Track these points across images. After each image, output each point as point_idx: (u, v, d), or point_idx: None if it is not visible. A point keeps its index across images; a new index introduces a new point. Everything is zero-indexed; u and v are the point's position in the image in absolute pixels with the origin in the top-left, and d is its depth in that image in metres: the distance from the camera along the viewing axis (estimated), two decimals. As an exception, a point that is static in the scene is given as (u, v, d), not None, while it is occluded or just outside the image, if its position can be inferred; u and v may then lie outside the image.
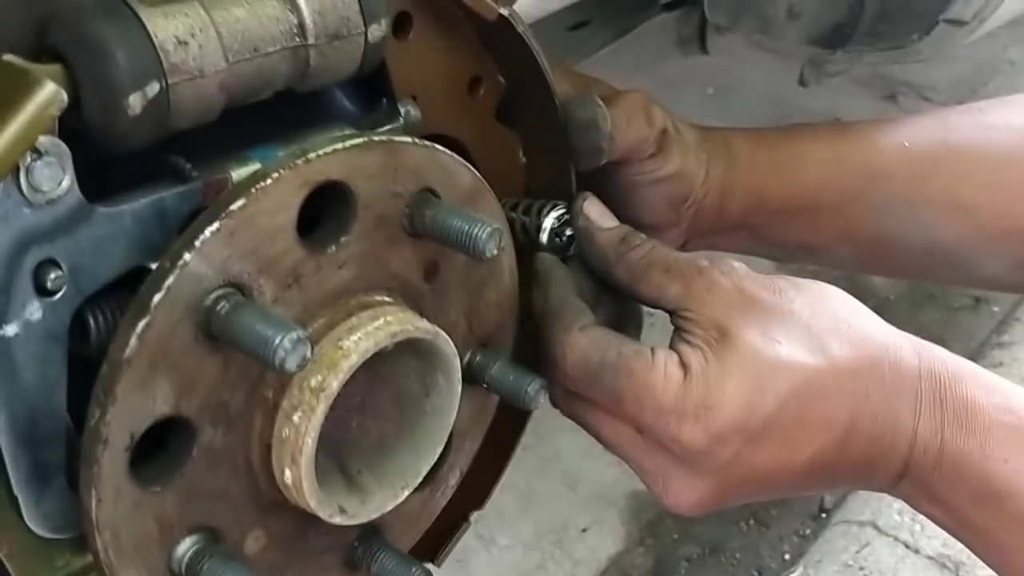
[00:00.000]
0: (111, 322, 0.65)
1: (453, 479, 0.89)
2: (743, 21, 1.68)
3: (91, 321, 0.65)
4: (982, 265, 1.06)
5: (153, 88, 0.60)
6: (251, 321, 0.61)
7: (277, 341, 0.60)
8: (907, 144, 1.04)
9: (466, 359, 0.85)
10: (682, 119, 1.04)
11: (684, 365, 0.78)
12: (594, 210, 0.89)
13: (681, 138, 1.01)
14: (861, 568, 1.97)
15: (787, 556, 2.08)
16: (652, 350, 0.80)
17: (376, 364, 0.75)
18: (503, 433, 0.95)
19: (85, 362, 0.66)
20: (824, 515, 2.18)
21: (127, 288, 0.65)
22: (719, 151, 1.04)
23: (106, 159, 0.65)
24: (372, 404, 0.80)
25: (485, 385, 0.85)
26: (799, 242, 1.07)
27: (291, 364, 0.60)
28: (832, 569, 1.98)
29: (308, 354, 0.61)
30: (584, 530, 2.08)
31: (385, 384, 0.79)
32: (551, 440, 2.06)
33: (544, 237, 0.91)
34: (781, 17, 1.63)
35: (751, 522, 2.15)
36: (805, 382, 0.78)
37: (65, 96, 0.55)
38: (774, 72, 3.27)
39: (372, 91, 0.81)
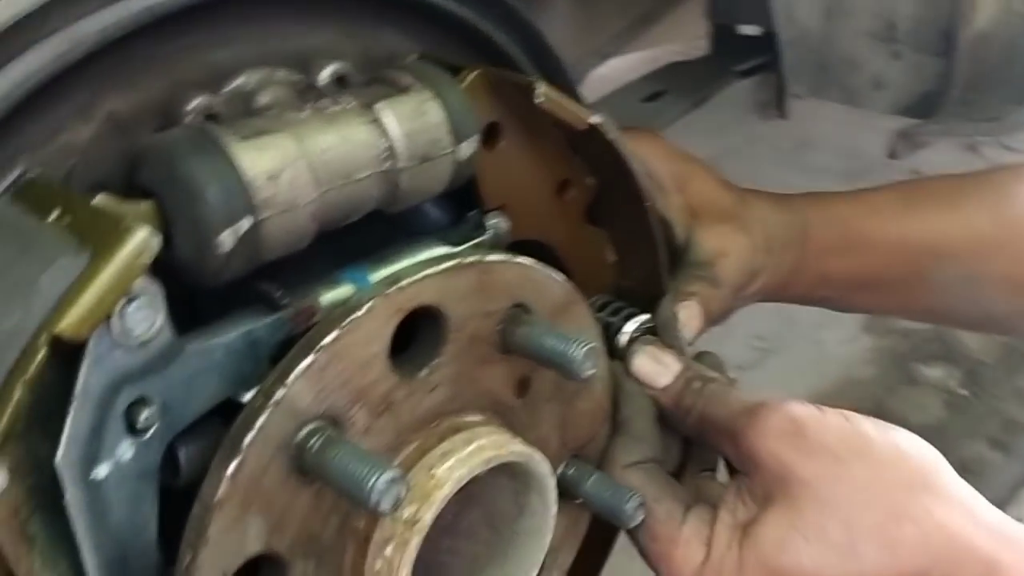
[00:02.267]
0: (201, 454, 0.64)
1: (548, 595, 0.85)
2: (826, 91, 1.64)
3: (181, 454, 0.64)
4: None
5: (244, 224, 0.59)
6: (344, 460, 0.59)
7: (372, 483, 0.58)
8: (971, 224, 1.05)
9: (558, 472, 0.82)
10: (763, 191, 1.05)
11: (709, 545, 0.74)
12: (646, 369, 0.84)
13: (768, 256, 1.01)
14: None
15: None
16: (685, 515, 0.75)
17: (469, 483, 0.72)
18: (595, 541, 0.91)
19: (174, 494, 0.64)
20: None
21: (217, 416, 0.64)
22: (795, 237, 1.05)
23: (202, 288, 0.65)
24: (463, 524, 0.77)
25: (580, 500, 0.82)
26: (858, 308, 1.13)
27: (386, 505, 0.58)
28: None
29: (403, 494, 0.59)
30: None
31: (477, 503, 0.77)
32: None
33: (623, 340, 0.89)
34: (866, 87, 1.59)
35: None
36: None
37: (157, 242, 0.54)
38: (851, 125, 3.22)
39: (461, 200, 0.80)
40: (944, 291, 1.04)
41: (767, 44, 1.77)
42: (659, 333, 0.88)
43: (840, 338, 2.83)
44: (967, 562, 0.68)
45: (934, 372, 2.80)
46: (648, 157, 0.98)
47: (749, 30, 1.91)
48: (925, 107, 1.57)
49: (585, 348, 0.69)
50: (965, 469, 2.55)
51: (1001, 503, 2.44)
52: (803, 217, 1.05)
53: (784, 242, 1.04)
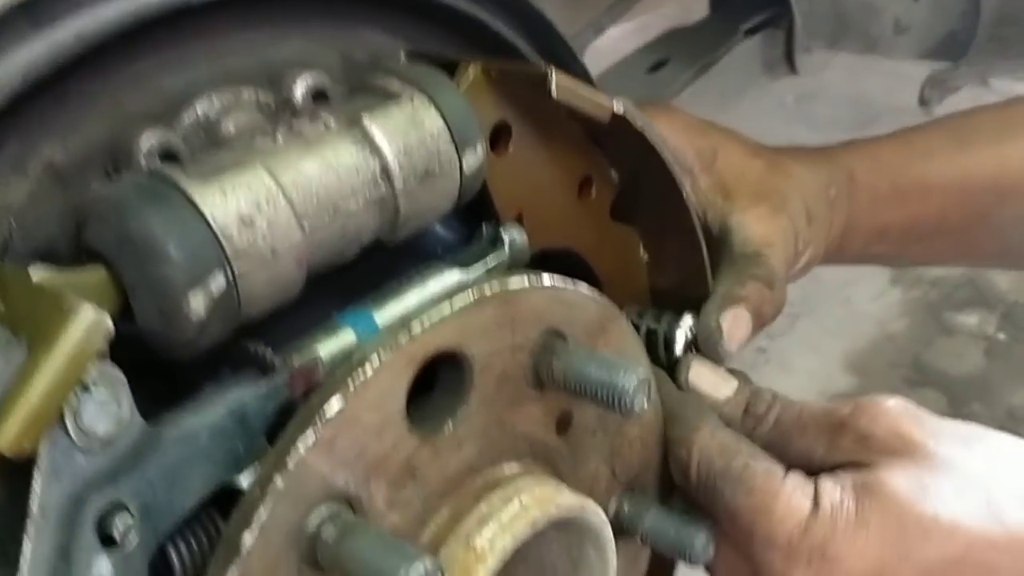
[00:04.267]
0: (197, 553, 0.54)
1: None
2: (844, 41, 1.52)
3: (174, 556, 0.54)
4: None
5: (218, 282, 0.49)
6: (365, 551, 0.49)
7: (400, 580, 0.47)
8: None
9: (612, 509, 0.72)
10: (798, 150, 0.94)
11: (816, 498, 0.65)
12: (704, 380, 0.76)
13: (811, 228, 0.90)
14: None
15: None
16: (786, 472, 0.67)
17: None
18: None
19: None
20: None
21: (212, 506, 0.54)
22: (841, 195, 0.95)
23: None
24: (512, 585, 0.67)
25: (639, 539, 0.72)
26: (915, 261, 1.07)
27: (420, 605, 0.48)
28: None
29: (439, 587, 0.49)
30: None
31: (525, 561, 0.66)
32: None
33: (679, 349, 0.78)
34: (888, 32, 1.47)
35: None
36: (967, 552, 0.63)
37: (109, 323, 0.44)
38: (855, 72, 3.09)
39: (471, 212, 0.70)
40: (1008, 232, 0.97)
41: (772, -1, 1.66)
42: (700, 346, 0.77)
43: (869, 294, 2.73)
44: None
45: (969, 319, 2.70)
46: (670, 136, 0.87)
47: (752, -15, 1.80)
48: (953, 48, 1.45)
49: (636, 377, 0.58)
50: (1015, 417, 2.44)
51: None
52: (847, 171, 0.95)
53: (829, 204, 0.93)
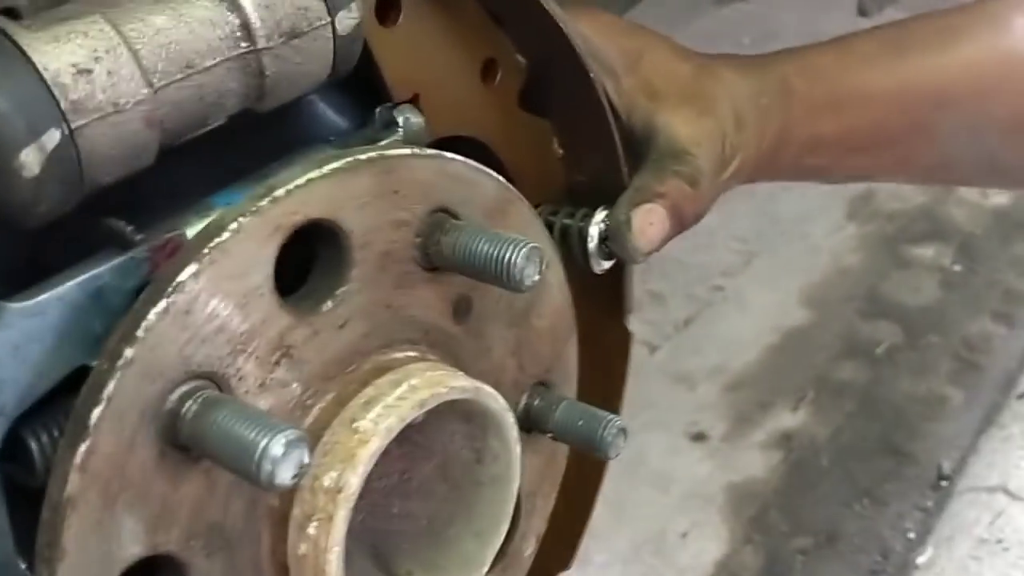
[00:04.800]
0: (58, 439, 0.51)
1: (528, 548, 0.73)
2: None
3: (32, 444, 0.50)
4: None
5: (52, 137, 0.45)
6: (225, 425, 0.46)
7: (260, 450, 0.44)
8: (972, 63, 0.94)
9: (522, 405, 0.69)
10: (729, 56, 0.92)
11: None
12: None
13: (740, 134, 0.86)
14: (1000, 541, 1.77)
15: (912, 535, 1.88)
16: None
17: (411, 432, 0.59)
18: (581, 473, 0.79)
19: (40, 493, 0.51)
20: (945, 483, 1.98)
21: (77, 393, 0.50)
22: (775, 102, 0.91)
23: (22, 234, 0.51)
24: (414, 481, 0.64)
25: (550, 434, 0.69)
26: (851, 175, 1.01)
27: (283, 477, 0.45)
28: (967, 546, 1.78)
29: (306, 459, 0.46)
30: (684, 535, 1.91)
31: (427, 454, 0.64)
32: (633, 439, 1.89)
33: (592, 246, 0.75)
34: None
35: (865, 501, 1.96)
36: None
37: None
38: (811, 10, 3.05)
39: (365, 96, 0.66)
40: (948, 142, 0.94)
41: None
42: (610, 241, 0.74)
43: (825, 228, 2.72)
44: None
45: (925, 251, 2.70)
46: (593, 35, 0.84)
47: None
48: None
49: (525, 249, 0.55)
50: (971, 347, 2.45)
51: (1011, 376, 2.35)
52: (781, 78, 0.91)
53: (761, 111, 0.90)
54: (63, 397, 0.50)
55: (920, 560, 1.84)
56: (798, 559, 1.88)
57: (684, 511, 1.95)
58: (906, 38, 0.96)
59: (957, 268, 2.64)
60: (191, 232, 0.53)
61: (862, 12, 1.37)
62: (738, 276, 2.59)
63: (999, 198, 2.81)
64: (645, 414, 2.09)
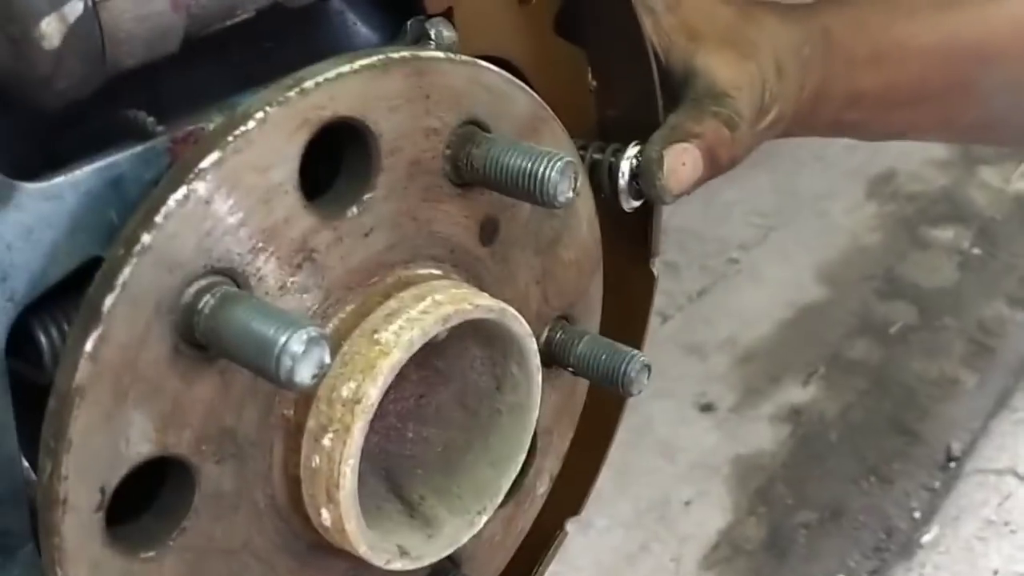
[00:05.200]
0: (67, 331, 0.49)
1: (542, 487, 0.71)
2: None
3: (41, 336, 0.48)
4: None
5: (74, 7, 0.43)
6: (243, 321, 0.44)
7: (280, 346, 0.42)
8: (1018, 18, 0.91)
9: (544, 337, 0.67)
10: (770, 1, 0.89)
11: None
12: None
13: (780, 83, 0.83)
14: (1007, 523, 1.75)
15: (917, 514, 1.86)
16: None
17: (431, 356, 0.58)
18: (597, 418, 0.77)
19: (46, 390, 0.49)
20: (953, 464, 1.96)
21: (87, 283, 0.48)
22: (816, 53, 0.88)
23: (44, 120, 0.49)
24: (431, 406, 0.62)
25: (571, 368, 0.67)
26: (891, 132, 0.98)
27: (303, 376, 0.43)
28: (973, 527, 1.76)
29: (326, 358, 0.44)
30: (687, 503, 1.90)
31: (445, 380, 0.62)
32: (641, 407, 1.88)
33: (623, 182, 0.72)
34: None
35: (872, 479, 1.94)
36: None
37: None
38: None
39: (397, 10, 0.63)
40: (990, 100, 0.91)
41: None
42: (640, 179, 0.71)
43: (844, 207, 2.68)
44: None
45: (944, 233, 2.66)
46: None
47: None
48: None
49: (560, 163, 0.53)
50: (986, 331, 2.42)
51: (1025, 362, 2.30)
52: (823, 28, 0.88)
53: (802, 62, 0.87)
54: (74, 291, 0.49)
55: (925, 539, 1.82)
56: (801, 533, 1.86)
57: (689, 480, 1.94)
58: None
59: (976, 251, 2.61)
60: (213, 127, 0.51)
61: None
62: (754, 250, 2.57)
63: (1022, 183, 2.78)
64: (654, 383, 2.06)
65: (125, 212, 0.48)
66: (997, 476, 1.86)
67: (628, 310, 0.79)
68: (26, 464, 0.49)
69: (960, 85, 0.92)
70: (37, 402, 0.48)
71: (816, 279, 2.49)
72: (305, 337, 0.43)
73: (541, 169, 0.53)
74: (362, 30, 0.65)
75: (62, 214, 0.46)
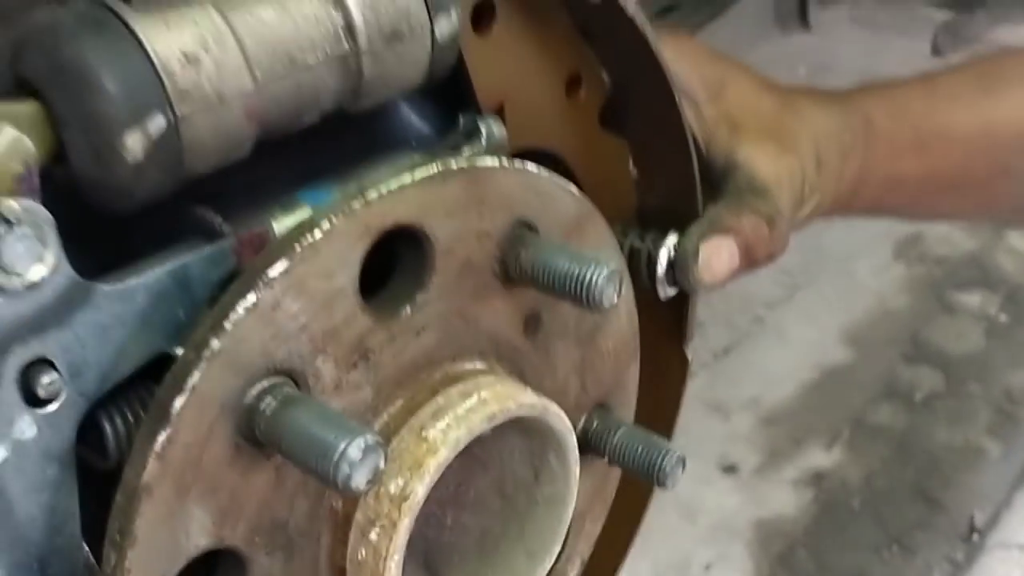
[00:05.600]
0: (132, 423, 0.51)
1: (573, 571, 0.72)
2: (859, -10, 1.47)
3: (107, 427, 0.50)
4: None
5: (157, 123, 0.45)
6: (304, 425, 0.46)
7: (339, 453, 0.44)
8: None
9: (581, 425, 0.68)
10: (812, 90, 0.91)
11: None
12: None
13: (819, 174, 0.84)
14: (1029, 600, 1.74)
15: (940, 587, 1.86)
16: None
17: (472, 444, 0.59)
18: (627, 499, 0.78)
19: (108, 477, 0.51)
20: (976, 536, 1.95)
21: (154, 379, 0.50)
22: (858, 140, 0.89)
23: (116, 217, 0.51)
24: (469, 493, 0.64)
25: (606, 458, 0.68)
26: (932, 215, 1.01)
27: (359, 482, 0.45)
28: (994, 601, 1.75)
29: (382, 464, 0.46)
30: (708, 567, 1.90)
31: (485, 468, 0.63)
32: (664, 466, 1.87)
33: (661, 271, 0.74)
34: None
35: (894, 548, 1.93)
36: None
37: (29, 145, 0.40)
38: (870, 45, 3.03)
39: (449, 103, 0.66)
40: None
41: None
42: (675, 268, 0.73)
43: (872, 267, 2.69)
44: None
45: (971, 299, 2.66)
46: (676, 60, 0.83)
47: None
48: None
49: (606, 270, 0.55)
50: (1012, 399, 2.41)
51: (1049, 434, 2.29)
52: (865, 116, 0.89)
53: (843, 150, 0.88)
54: (139, 381, 0.51)
55: (948, 612, 1.81)
56: (823, 601, 1.86)
57: (710, 543, 1.94)
58: (993, 76, 0.94)
59: (1003, 318, 2.60)
60: (277, 226, 0.53)
61: (936, 51, 1.35)
62: (780, 308, 2.57)
63: (1050, 250, 2.78)
64: (676, 441, 2.07)
65: (192, 310, 0.50)
66: (1020, 551, 1.85)
67: (661, 390, 0.81)
68: (86, 549, 0.51)
69: (1002, 171, 0.92)
70: (98, 488, 0.50)
71: (841, 340, 2.49)
72: (363, 444, 0.45)
73: (588, 275, 0.55)
74: (415, 121, 0.68)
75: (133, 313, 0.48)
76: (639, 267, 0.74)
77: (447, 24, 0.55)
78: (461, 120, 0.65)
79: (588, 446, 0.69)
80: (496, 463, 0.63)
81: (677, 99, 0.71)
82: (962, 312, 2.65)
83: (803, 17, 1.78)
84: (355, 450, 0.44)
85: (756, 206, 0.76)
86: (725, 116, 0.83)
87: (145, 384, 0.51)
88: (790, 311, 2.57)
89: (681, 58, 0.83)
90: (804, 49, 2.91)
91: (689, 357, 0.83)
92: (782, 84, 0.88)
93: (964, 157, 0.91)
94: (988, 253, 2.79)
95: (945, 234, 2.75)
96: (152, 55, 0.45)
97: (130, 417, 0.51)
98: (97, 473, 0.51)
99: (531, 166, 0.59)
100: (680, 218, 0.76)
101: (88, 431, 0.50)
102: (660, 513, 2.04)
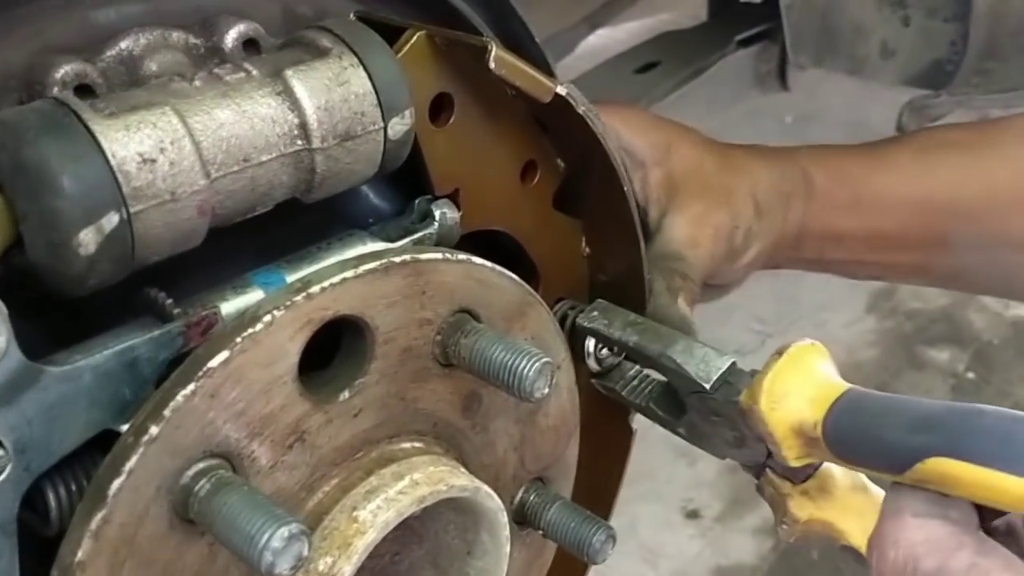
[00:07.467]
0: (76, 495, 0.53)
1: (508, 637, 0.75)
2: (831, 61, 1.51)
3: (51, 497, 0.53)
4: None
5: (111, 220, 0.48)
6: (233, 511, 0.48)
7: (264, 541, 0.47)
8: (992, 180, 0.96)
9: (518, 498, 0.71)
10: (756, 147, 0.96)
11: None
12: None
13: (760, 221, 0.89)
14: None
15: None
16: None
17: (409, 517, 0.61)
18: (568, 566, 0.81)
19: (51, 543, 0.54)
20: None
21: (96, 449, 0.53)
22: (798, 190, 0.95)
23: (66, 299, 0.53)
24: (404, 563, 0.66)
25: (541, 531, 0.71)
26: (872, 274, 1.04)
27: (282, 568, 0.47)
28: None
29: (305, 552, 0.48)
30: (666, 612, 1.93)
31: (420, 540, 0.66)
32: (626, 510, 1.90)
33: (591, 347, 0.77)
34: (874, 56, 1.46)
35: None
36: None
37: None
38: (856, 97, 3.07)
39: (408, 184, 0.69)
40: (963, 254, 0.96)
41: (768, 10, 1.65)
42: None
43: (843, 320, 2.73)
44: None
45: (940, 354, 2.70)
46: (624, 130, 0.88)
47: (749, -5, 1.79)
48: (937, 77, 1.45)
49: (538, 364, 0.58)
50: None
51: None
52: (804, 170, 0.95)
53: (783, 198, 0.93)
54: (85, 451, 0.53)
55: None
56: (778, 652, 1.88)
57: (669, 588, 1.96)
58: (932, 147, 0.98)
59: (970, 375, 2.64)
60: (226, 308, 0.56)
61: (899, 129, 1.40)
62: (751, 356, 2.60)
63: (1019, 309, 2.82)
64: (642, 484, 2.10)
65: (138, 389, 0.53)
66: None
67: (604, 460, 0.83)
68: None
69: (935, 236, 0.97)
70: (40, 551, 0.53)
71: (810, 391, 2.52)
72: (287, 534, 0.47)
73: (521, 366, 0.58)
74: (373, 201, 0.71)
75: (80, 392, 0.51)
76: (584, 342, 0.77)
77: (400, 124, 0.58)
78: (416, 203, 0.68)
79: (525, 519, 0.71)
80: (431, 536, 0.65)
81: (627, 190, 0.74)
82: (931, 367, 2.69)
83: (781, 77, 1.82)
84: (278, 540, 0.47)
85: (675, 268, 0.83)
86: (668, 177, 0.88)
87: (91, 455, 0.53)
88: (761, 359, 2.59)
89: (629, 127, 0.88)
90: (790, 100, 2.96)
91: (634, 428, 0.86)
92: (725, 143, 0.93)
93: (900, 221, 0.96)
94: (959, 310, 2.83)
95: (918, 289, 2.80)
96: (110, 157, 0.47)
97: (74, 487, 0.53)
98: (40, 538, 0.53)
99: (474, 258, 0.62)
100: (628, 296, 0.79)
101: (34, 496, 0.53)
102: (622, 556, 2.05)
